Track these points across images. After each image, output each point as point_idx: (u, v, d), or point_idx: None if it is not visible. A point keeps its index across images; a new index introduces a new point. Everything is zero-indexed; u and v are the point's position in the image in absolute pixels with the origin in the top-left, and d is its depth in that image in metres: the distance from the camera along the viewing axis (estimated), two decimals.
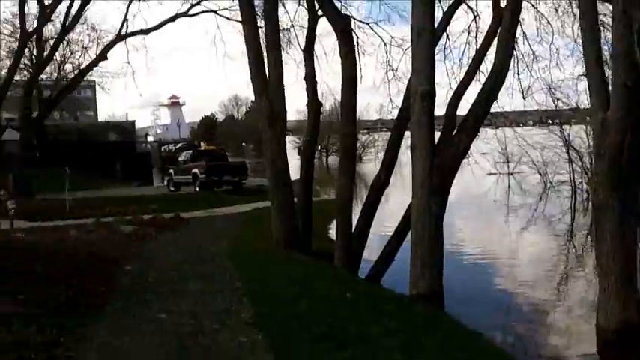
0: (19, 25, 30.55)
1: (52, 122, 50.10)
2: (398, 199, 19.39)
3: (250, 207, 23.77)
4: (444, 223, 11.13)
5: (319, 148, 56.00)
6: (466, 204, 27.87)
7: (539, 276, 15.00)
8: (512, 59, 12.86)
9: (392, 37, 17.59)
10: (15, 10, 30.50)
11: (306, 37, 16.83)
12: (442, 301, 10.50)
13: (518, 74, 15.22)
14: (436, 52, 12.03)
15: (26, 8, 29.25)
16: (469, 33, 15.61)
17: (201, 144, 49.35)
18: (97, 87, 53.53)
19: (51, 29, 32.63)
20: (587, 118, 29.74)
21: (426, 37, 10.86)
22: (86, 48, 36.65)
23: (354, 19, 16.50)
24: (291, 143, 44.61)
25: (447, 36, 15.54)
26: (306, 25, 17.15)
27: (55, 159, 33.10)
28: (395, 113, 14.91)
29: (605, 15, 11.82)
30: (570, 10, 14.42)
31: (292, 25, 18.70)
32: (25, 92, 31.28)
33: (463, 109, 12.21)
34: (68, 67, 40.59)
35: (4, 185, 18.41)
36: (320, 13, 16.12)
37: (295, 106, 66.97)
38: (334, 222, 15.74)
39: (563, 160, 31.13)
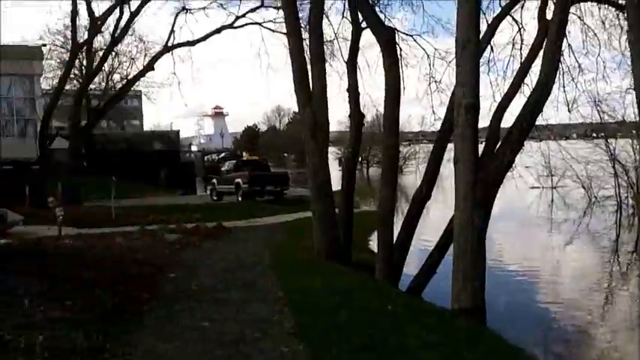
0: (70, 37, 31.51)
1: (100, 131, 51.23)
2: (439, 212, 19.26)
3: (292, 217, 23.85)
4: (486, 237, 11.03)
5: (360, 159, 55.88)
6: (508, 218, 27.46)
7: (583, 293, 14.71)
8: (558, 72, 12.68)
9: (435, 49, 17.50)
10: (67, 22, 31.49)
11: (350, 49, 16.84)
12: (484, 315, 10.34)
13: (563, 87, 14.96)
14: (480, 64, 11.94)
15: (77, 20, 30.16)
16: (514, 45, 15.44)
17: (244, 154, 49.91)
18: (144, 97, 55.24)
19: (100, 40, 33.67)
20: (634, 132, 29.20)
21: (471, 49, 10.78)
22: (134, 59, 37.82)
23: (398, 31, 16.48)
24: (332, 154, 44.62)
25: (492, 48, 15.39)
26: (349, 37, 17.20)
27: (101, 167, 33.66)
28: (437, 125, 14.80)
29: None
30: (617, 22, 14.16)
31: (336, 37, 18.73)
32: (74, 102, 32.22)
33: (507, 121, 12.09)
34: (116, 77, 41.89)
35: (53, 192, 18.94)
36: (364, 25, 16.15)
37: (337, 117, 66.76)
38: (374, 234, 15.66)
39: (608, 174, 30.35)
